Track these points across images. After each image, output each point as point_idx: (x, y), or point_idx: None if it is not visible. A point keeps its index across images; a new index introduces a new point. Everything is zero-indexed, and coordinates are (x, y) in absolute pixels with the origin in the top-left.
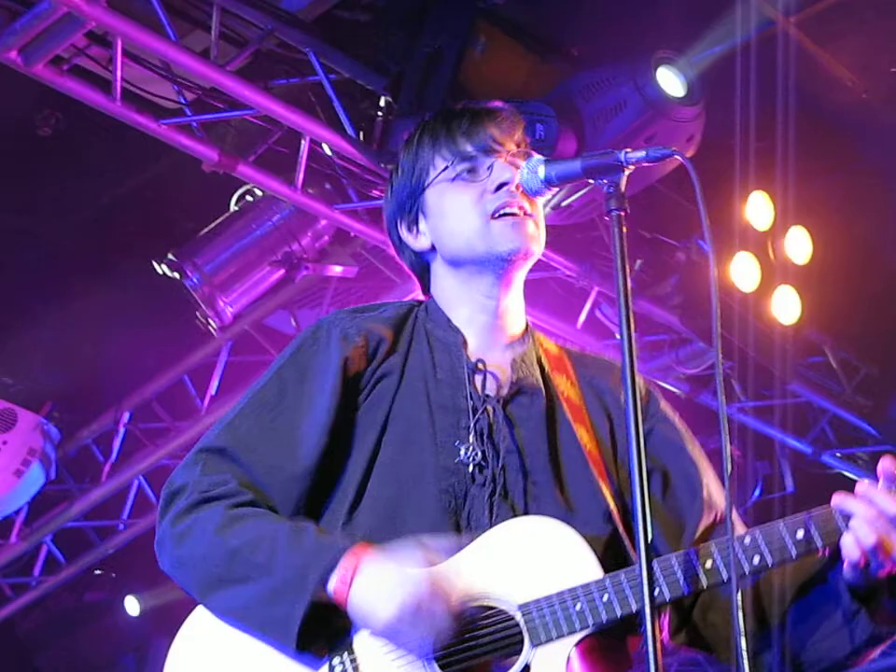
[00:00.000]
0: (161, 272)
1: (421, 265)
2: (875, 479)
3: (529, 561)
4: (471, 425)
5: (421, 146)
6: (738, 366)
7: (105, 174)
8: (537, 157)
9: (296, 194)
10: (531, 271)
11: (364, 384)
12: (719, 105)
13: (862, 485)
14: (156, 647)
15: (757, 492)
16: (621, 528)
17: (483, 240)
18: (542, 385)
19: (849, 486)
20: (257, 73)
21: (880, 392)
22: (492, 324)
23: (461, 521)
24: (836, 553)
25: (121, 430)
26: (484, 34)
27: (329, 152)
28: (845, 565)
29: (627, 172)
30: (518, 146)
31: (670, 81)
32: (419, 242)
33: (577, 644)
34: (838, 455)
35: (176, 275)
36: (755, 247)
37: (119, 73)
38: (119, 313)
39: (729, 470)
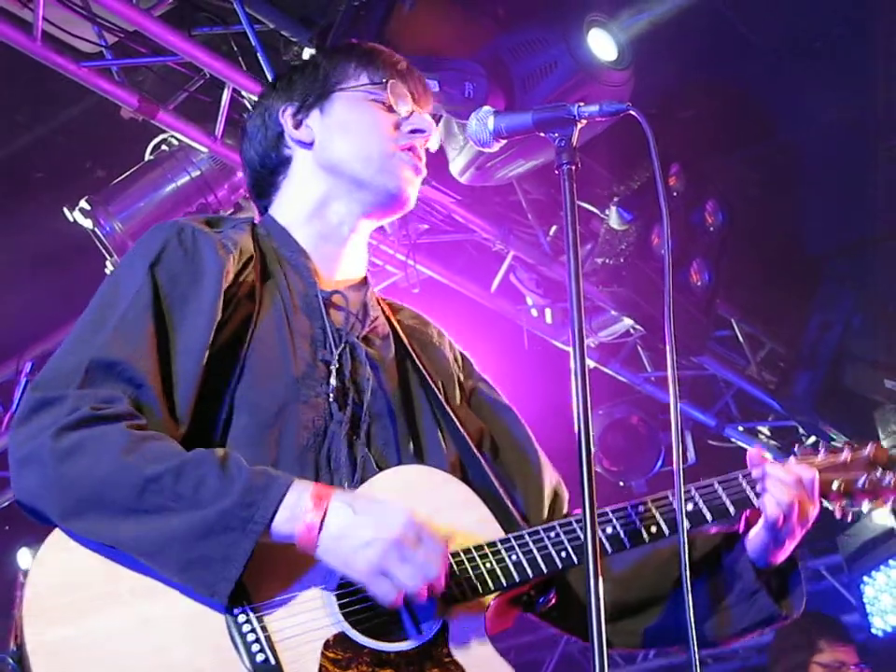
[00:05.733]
0: (72, 219)
1: (278, 158)
2: (776, 452)
3: (425, 514)
4: (333, 359)
5: (349, 56)
6: (648, 335)
7: (16, 116)
8: (486, 108)
9: (216, 144)
10: (447, 232)
11: (228, 301)
12: (641, 74)
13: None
14: None
15: (660, 462)
16: (465, 477)
17: (379, 165)
18: (390, 330)
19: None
20: (180, 19)
21: (785, 368)
22: (335, 254)
23: (320, 459)
24: (734, 536)
25: (23, 381)
26: None
27: (249, 103)
28: (754, 534)
29: (580, 126)
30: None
31: (602, 44)
32: (300, 132)
33: (490, 603)
34: (740, 428)
35: (89, 223)
36: (673, 217)
37: (40, 12)
38: (25, 260)
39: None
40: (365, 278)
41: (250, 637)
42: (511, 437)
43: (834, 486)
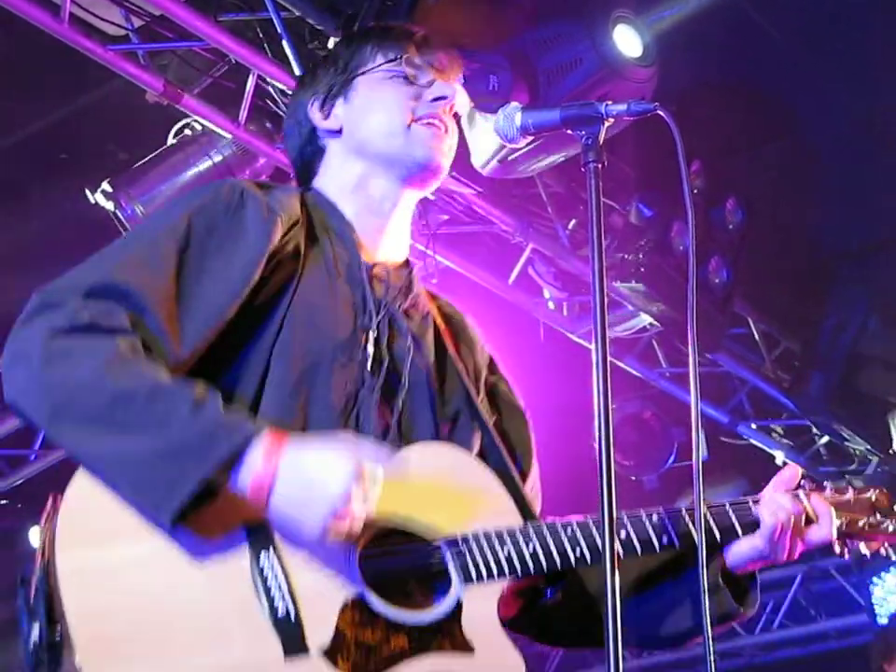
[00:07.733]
0: (94, 201)
1: (313, 150)
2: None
3: (447, 492)
4: (371, 326)
5: (365, 40)
6: (665, 331)
7: (40, 98)
8: (514, 104)
9: (239, 130)
10: (467, 223)
11: (274, 261)
12: (659, 70)
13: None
14: None
15: (672, 458)
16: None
17: (403, 138)
18: (430, 311)
19: (761, 457)
20: (206, 4)
21: (800, 367)
22: (379, 228)
23: (350, 421)
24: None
25: None
26: None
27: (273, 90)
28: (746, 542)
29: (607, 124)
30: (456, 80)
31: (627, 41)
32: (328, 122)
33: (504, 586)
34: (753, 426)
35: (110, 205)
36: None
37: None
38: (42, 241)
39: (701, 454)
40: (408, 260)
41: (273, 587)
42: (518, 439)
43: (838, 523)
